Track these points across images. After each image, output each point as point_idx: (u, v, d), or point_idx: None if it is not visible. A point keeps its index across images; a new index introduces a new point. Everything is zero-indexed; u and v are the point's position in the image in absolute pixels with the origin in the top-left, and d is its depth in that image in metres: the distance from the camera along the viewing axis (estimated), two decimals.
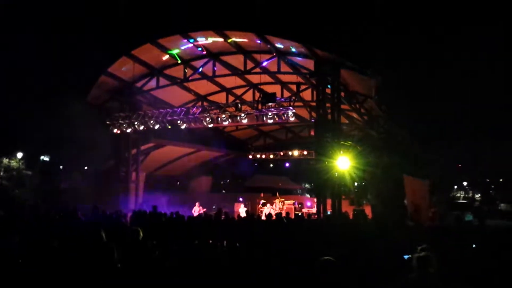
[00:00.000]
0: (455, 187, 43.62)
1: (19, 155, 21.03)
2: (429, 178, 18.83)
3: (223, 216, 13.55)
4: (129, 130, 19.38)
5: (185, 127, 18.80)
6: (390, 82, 15.59)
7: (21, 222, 10.95)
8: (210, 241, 9.49)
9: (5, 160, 20.76)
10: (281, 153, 27.76)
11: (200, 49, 17.75)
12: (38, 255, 5.42)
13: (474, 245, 8.79)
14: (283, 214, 14.88)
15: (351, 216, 16.03)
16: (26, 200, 19.41)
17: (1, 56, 18.19)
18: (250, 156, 28.49)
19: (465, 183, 43.51)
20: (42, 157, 22.34)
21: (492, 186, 43.01)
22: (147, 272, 5.41)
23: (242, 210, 22.51)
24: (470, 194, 43.88)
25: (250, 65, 17.61)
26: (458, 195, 43.28)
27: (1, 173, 20.54)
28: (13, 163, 20.98)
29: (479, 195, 42.92)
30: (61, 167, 21.98)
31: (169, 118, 18.60)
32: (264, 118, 16.97)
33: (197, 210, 20.14)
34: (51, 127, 17.58)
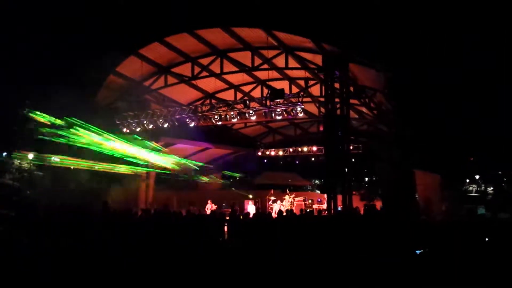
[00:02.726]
0: (467, 180, 43.27)
1: (30, 156, 21.13)
2: (441, 172, 18.67)
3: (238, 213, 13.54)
4: (138, 129, 19.43)
5: (194, 125, 18.81)
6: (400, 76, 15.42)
7: (33, 223, 11.00)
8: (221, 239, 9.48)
9: (16, 161, 20.88)
10: (291, 150, 27.68)
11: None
12: (49, 255, 5.44)
13: (487, 239, 8.71)
14: (294, 211, 14.84)
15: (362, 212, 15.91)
16: (38, 201, 19.47)
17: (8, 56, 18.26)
18: (259, 153, 28.43)
19: (477, 176, 43.12)
20: (52, 158, 22.40)
21: (505, 179, 42.59)
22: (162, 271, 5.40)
23: (251, 208, 22.46)
24: (483, 188, 43.45)
25: (257, 61, 17.54)
26: (470, 188, 42.92)
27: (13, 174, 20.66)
28: (24, 164, 21.09)
29: (491, 188, 42.51)
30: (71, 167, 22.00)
31: (177, 117, 18.61)
32: (273, 115, 16.91)
33: (209, 207, 20.42)
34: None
